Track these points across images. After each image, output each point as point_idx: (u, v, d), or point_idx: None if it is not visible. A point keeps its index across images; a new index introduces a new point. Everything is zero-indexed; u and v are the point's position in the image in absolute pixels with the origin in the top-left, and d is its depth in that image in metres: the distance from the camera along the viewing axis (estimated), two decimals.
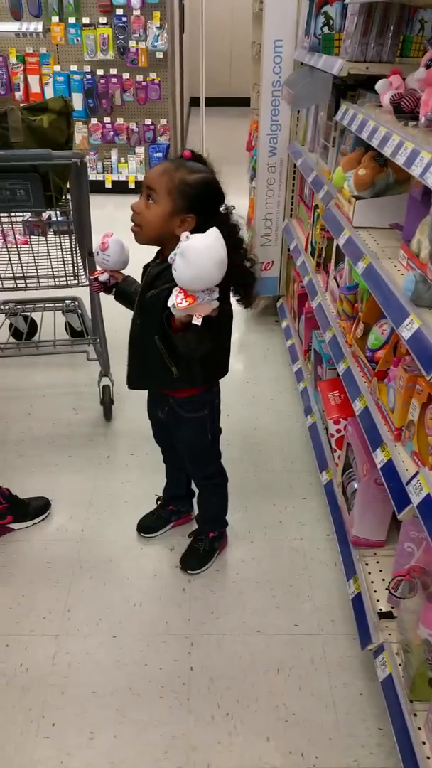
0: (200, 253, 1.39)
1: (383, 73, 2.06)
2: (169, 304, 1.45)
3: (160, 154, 6.27)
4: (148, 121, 6.24)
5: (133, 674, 1.81)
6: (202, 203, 1.60)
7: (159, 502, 2.30)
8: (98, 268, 1.89)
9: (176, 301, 1.43)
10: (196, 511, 2.25)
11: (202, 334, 1.50)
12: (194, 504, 2.28)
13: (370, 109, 2.00)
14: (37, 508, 2.32)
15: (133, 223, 1.65)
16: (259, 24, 3.58)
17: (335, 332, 2.22)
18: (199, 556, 2.13)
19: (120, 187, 6.28)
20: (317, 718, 1.70)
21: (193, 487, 2.22)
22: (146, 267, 1.77)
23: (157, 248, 1.75)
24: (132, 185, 6.32)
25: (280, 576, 2.13)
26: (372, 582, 1.87)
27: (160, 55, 5.93)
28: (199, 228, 1.58)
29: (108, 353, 2.89)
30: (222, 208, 1.65)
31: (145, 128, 6.27)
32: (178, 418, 1.91)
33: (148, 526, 2.26)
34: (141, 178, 6.30)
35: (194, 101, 6.83)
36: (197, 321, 1.45)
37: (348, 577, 1.92)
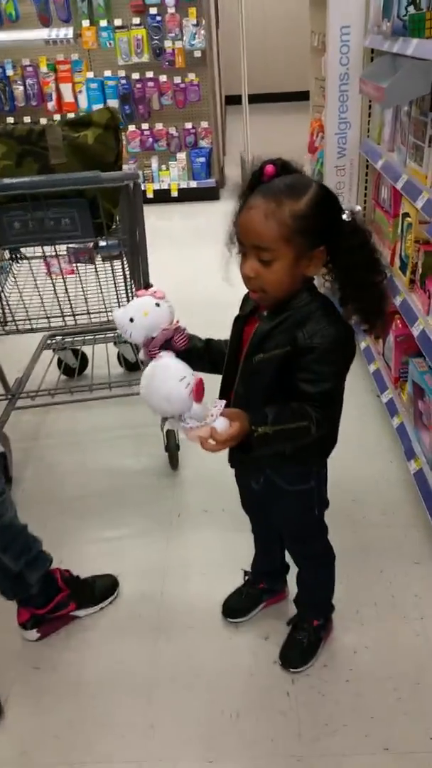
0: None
1: None
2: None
3: (203, 159, 5.92)
4: (188, 125, 5.90)
5: None
6: (326, 226, 1.26)
7: (247, 578, 1.95)
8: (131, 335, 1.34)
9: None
10: (290, 588, 1.90)
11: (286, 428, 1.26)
12: (288, 579, 1.93)
13: None
14: (104, 590, 2.00)
15: (250, 289, 1.32)
16: (319, 10, 3.20)
17: None
18: (302, 650, 1.78)
19: (162, 197, 5.97)
20: None
21: (288, 559, 1.88)
22: (238, 319, 1.43)
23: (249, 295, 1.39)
24: (174, 193, 5.99)
25: (404, 670, 1.76)
26: None
27: (197, 54, 5.59)
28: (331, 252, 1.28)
29: None
30: (345, 215, 1.28)
31: (186, 132, 5.94)
32: (278, 490, 1.56)
33: (236, 608, 1.92)
34: (184, 185, 5.97)
35: (228, 100, 6.46)
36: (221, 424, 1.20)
37: None
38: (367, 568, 2.07)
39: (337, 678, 1.75)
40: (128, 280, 2.63)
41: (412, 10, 2.13)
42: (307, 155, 3.57)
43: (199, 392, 1.21)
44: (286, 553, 1.87)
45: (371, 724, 1.64)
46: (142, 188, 5.92)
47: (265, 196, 1.22)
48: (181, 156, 5.94)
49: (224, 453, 1.58)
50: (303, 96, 12.11)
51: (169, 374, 1.22)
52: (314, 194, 1.23)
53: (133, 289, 2.58)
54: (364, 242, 1.29)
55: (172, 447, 2.53)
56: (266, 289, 1.28)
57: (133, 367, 3.13)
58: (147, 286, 2.41)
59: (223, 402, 1.22)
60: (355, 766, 1.55)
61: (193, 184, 5.99)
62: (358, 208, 1.32)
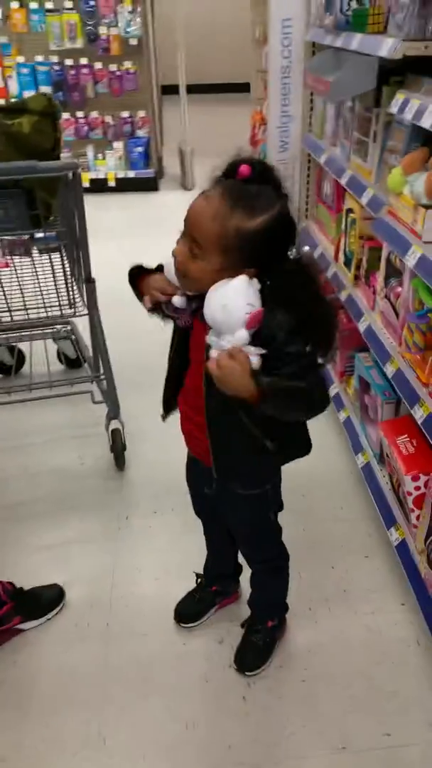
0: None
1: None
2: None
3: (140, 149, 5.81)
4: (125, 114, 5.77)
5: None
6: (265, 255, 1.19)
7: (199, 582, 1.91)
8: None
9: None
10: (243, 588, 1.88)
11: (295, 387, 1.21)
12: (240, 580, 1.91)
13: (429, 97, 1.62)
14: (50, 601, 1.92)
15: (175, 267, 1.25)
16: (261, 1, 3.17)
17: (399, 366, 1.84)
18: (257, 652, 1.76)
19: (99, 186, 5.82)
20: None
21: (241, 560, 1.85)
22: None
23: None
24: (112, 183, 5.86)
25: (357, 667, 1.76)
26: None
27: (134, 41, 5.45)
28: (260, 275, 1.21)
29: (116, 390, 2.47)
30: (292, 252, 1.22)
31: (122, 121, 5.80)
32: (232, 495, 1.52)
33: (189, 613, 1.87)
34: (121, 175, 5.85)
35: (164, 90, 6.34)
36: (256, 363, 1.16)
37: None
38: (318, 563, 2.07)
39: (292, 679, 1.74)
40: (68, 273, 2.53)
41: (355, 5, 2.12)
42: (249, 147, 3.53)
43: (253, 321, 1.16)
44: (239, 555, 1.84)
45: (328, 723, 1.63)
46: None
47: (223, 196, 1.16)
48: (118, 145, 5.80)
49: (177, 452, 1.54)
50: (243, 88, 12.04)
51: (241, 290, 1.16)
52: (270, 219, 1.16)
53: (74, 284, 2.48)
54: (304, 283, 1.23)
55: (118, 447, 2.46)
56: (188, 275, 1.23)
57: (74, 364, 3.03)
58: (89, 280, 2.33)
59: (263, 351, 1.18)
60: (314, 767, 1.54)
61: (131, 174, 5.87)
62: (307, 248, 1.27)
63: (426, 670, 1.74)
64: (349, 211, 2.35)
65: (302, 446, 1.49)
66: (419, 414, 1.67)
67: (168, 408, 1.51)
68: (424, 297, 1.70)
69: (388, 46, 1.72)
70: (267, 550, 1.68)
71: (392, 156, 1.93)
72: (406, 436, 1.87)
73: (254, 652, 1.75)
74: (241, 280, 1.16)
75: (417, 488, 1.75)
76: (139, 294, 1.36)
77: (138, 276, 1.35)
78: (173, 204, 5.90)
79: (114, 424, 2.48)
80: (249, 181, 1.17)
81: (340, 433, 2.62)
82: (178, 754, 1.57)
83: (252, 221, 1.15)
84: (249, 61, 11.29)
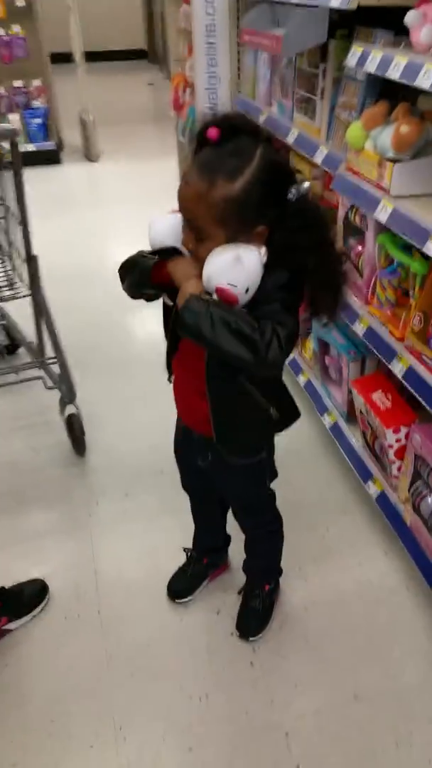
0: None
1: (398, 5, 1.69)
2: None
3: (39, 120, 5.51)
4: (17, 83, 5.44)
5: None
6: (265, 208, 1.16)
7: (190, 556, 1.88)
8: None
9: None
10: (231, 556, 1.87)
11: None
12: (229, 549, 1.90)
13: (394, 47, 1.62)
14: (33, 596, 1.82)
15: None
16: None
17: (370, 323, 1.87)
18: (258, 617, 1.76)
19: None
20: None
21: (229, 530, 1.84)
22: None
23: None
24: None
25: (355, 619, 1.80)
26: None
27: (21, 2, 5.12)
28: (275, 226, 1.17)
29: (69, 372, 2.36)
30: (291, 194, 1.18)
31: (14, 91, 5.47)
32: (228, 465, 1.49)
33: (182, 589, 1.84)
34: (21, 149, 5.52)
35: (52, 58, 6.00)
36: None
37: None
38: (299, 525, 2.08)
39: (294, 638, 1.75)
40: (5, 251, 2.38)
41: None
42: (172, 112, 3.43)
43: (224, 298, 1.14)
44: (228, 525, 1.82)
45: (337, 676, 1.66)
46: None
47: (200, 173, 1.12)
48: (14, 117, 5.46)
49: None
50: (136, 55, 11.69)
51: (224, 269, 1.13)
52: (253, 172, 1.11)
53: (13, 262, 2.33)
54: (312, 221, 1.19)
55: (77, 431, 2.35)
56: (203, 259, 1.17)
57: (12, 350, 2.86)
58: (31, 257, 2.18)
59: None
60: (330, 720, 1.57)
61: (31, 147, 5.56)
62: (307, 184, 1.24)
63: (420, 613, 1.81)
64: (296, 171, 2.33)
65: (294, 412, 1.48)
66: (398, 368, 1.70)
67: (170, 371, 1.46)
68: (394, 252, 1.73)
69: None
70: (264, 517, 1.68)
71: (345, 111, 1.92)
72: (380, 391, 1.90)
73: (255, 617, 1.76)
74: (225, 258, 1.13)
75: (398, 440, 1.79)
76: (149, 283, 1.25)
77: (146, 265, 1.25)
78: (79, 177, 5.67)
79: (69, 409, 2.37)
80: (221, 142, 1.12)
81: (301, 397, 2.64)
82: (198, 730, 1.55)
83: (233, 185, 1.11)
84: (140, 28, 10.99)
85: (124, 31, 10.76)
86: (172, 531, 2.03)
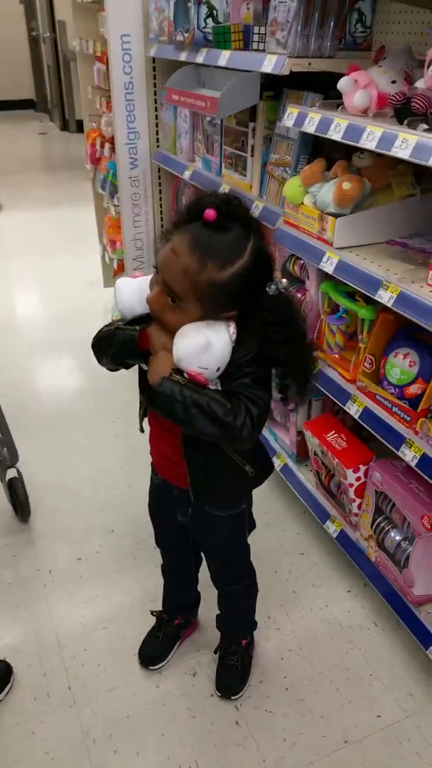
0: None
1: (327, 70, 1.82)
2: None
3: None
4: None
5: None
6: (242, 298, 1.18)
7: (160, 618, 1.82)
8: None
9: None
10: (201, 614, 1.84)
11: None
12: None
13: (329, 110, 1.73)
14: None
15: (152, 311, 1.21)
16: (86, 17, 3.10)
17: (319, 367, 1.93)
18: (238, 674, 1.73)
19: None
20: None
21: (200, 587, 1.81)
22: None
23: None
24: None
25: (330, 661, 1.81)
26: None
27: None
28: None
29: (10, 433, 2.25)
30: (271, 290, 1.21)
31: None
32: (210, 518, 1.48)
33: (155, 655, 1.78)
34: None
35: None
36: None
37: (427, 645, 1.68)
38: (261, 571, 2.05)
39: (276, 690, 1.74)
40: None
41: (210, 22, 2.17)
42: (89, 165, 3.43)
43: (195, 379, 1.17)
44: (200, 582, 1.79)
45: (323, 723, 1.66)
46: None
47: (191, 249, 1.12)
48: None
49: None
50: (23, 105, 11.63)
51: (195, 353, 1.16)
52: (243, 266, 1.14)
53: None
54: (284, 317, 1.22)
55: (21, 496, 2.24)
56: (167, 324, 1.20)
57: None
58: None
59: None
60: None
61: None
62: (284, 282, 1.28)
63: (391, 647, 1.85)
64: None
65: (268, 466, 1.53)
66: (354, 409, 1.77)
67: (141, 422, 1.43)
68: (339, 300, 1.81)
69: (273, 63, 1.80)
70: (240, 569, 1.66)
71: (279, 169, 2.01)
72: (333, 432, 1.96)
73: (235, 675, 1.72)
74: (196, 343, 1.14)
75: (358, 479, 1.85)
76: (136, 352, 1.24)
77: (128, 336, 1.24)
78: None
79: (11, 473, 2.26)
80: (217, 226, 1.14)
81: None
82: None
83: (224, 272, 1.14)
84: (28, 78, 10.98)
85: (11, 80, 10.73)
86: (132, 592, 1.97)
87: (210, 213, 1.13)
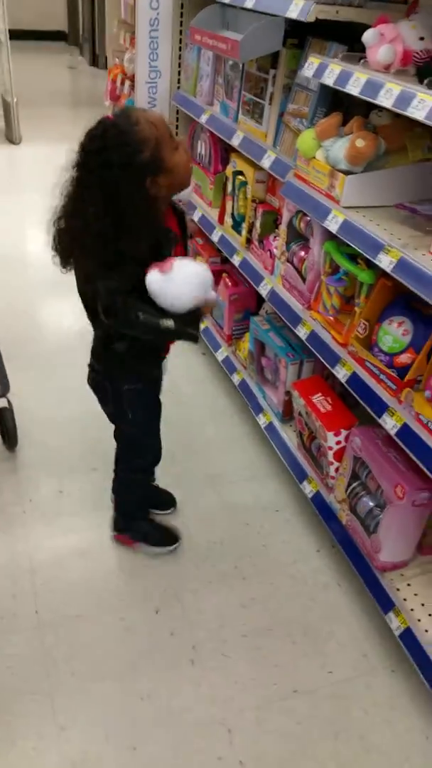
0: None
1: (354, 20, 1.75)
2: None
3: None
4: None
5: None
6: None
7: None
8: None
9: None
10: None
11: None
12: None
13: (351, 62, 1.67)
14: None
15: None
16: None
17: (313, 328, 1.93)
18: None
19: None
20: None
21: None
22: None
23: None
24: None
25: (291, 615, 1.86)
26: (412, 610, 1.69)
27: None
28: None
29: (3, 364, 2.27)
30: None
31: None
32: None
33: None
34: None
35: None
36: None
37: (386, 610, 1.72)
38: (234, 523, 2.12)
39: (234, 636, 1.78)
40: None
41: None
42: (107, 102, 3.36)
43: None
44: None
45: (276, 672, 1.71)
46: None
47: None
48: None
49: None
50: (55, 36, 11.27)
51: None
52: None
53: None
54: None
55: (9, 425, 2.27)
56: None
57: None
58: None
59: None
60: (272, 716, 1.61)
61: None
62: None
63: (352, 608, 1.89)
64: (238, 173, 2.36)
65: None
66: (342, 373, 1.77)
67: None
68: (340, 261, 1.79)
69: (299, 8, 1.74)
70: None
71: (295, 119, 1.96)
72: (320, 394, 1.96)
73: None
74: None
75: (338, 443, 1.86)
76: None
77: None
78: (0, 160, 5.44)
79: (1, 402, 2.28)
80: None
81: (229, 395, 2.68)
82: (140, 728, 1.55)
83: None
84: (61, 9, 10.64)
85: (44, 11, 10.40)
86: (108, 530, 2.01)
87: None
